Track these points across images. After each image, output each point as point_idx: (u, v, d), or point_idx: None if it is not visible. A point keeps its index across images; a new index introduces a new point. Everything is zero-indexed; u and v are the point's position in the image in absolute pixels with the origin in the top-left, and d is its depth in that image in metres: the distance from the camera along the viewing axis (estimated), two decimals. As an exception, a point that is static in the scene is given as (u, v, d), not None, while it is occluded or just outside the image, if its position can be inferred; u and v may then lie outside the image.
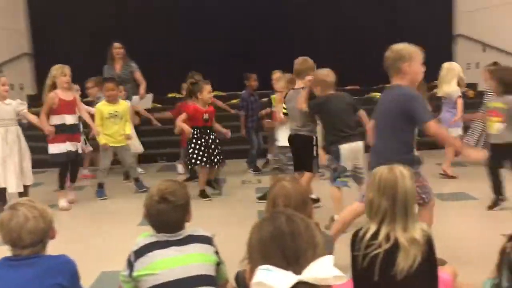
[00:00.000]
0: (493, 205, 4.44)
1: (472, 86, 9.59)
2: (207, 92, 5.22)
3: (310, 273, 1.08)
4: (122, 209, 5.07)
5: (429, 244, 2.05)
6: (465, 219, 4.37)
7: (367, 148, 3.73)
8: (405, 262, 1.98)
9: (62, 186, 5.23)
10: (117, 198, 5.49)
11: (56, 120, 5.08)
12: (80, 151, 5.34)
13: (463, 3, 10.09)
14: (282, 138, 4.86)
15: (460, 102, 5.88)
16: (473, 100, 9.34)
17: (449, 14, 10.30)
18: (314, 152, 4.53)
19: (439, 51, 10.16)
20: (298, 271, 1.10)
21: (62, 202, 5.14)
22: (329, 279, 1.08)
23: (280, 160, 4.96)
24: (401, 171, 2.10)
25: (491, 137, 4.61)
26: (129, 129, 5.56)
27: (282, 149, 4.89)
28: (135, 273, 2.00)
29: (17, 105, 4.96)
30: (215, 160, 5.25)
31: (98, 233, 4.40)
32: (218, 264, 2.13)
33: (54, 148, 5.08)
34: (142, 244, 2.04)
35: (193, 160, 5.19)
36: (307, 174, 4.46)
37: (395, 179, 2.07)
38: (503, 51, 8.91)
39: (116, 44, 6.68)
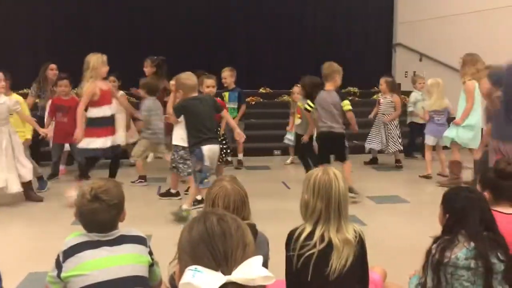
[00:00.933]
0: None
1: (408, 93, 10.01)
2: (205, 86, 5.27)
3: (239, 273, 1.08)
4: (56, 207, 4.86)
5: (361, 244, 2.12)
6: (397, 220, 4.55)
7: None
8: (338, 262, 2.03)
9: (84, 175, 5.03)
10: (52, 197, 5.25)
11: (97, 112, 4.82)
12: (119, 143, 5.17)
13: (403, 14, 10.50)
14: (175, 136, 4.95)
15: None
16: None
17: (389, 24, 10.70)
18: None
19: (379, 59, 10.57)
20: (227, 272, 1.10)
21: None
22: (258, 280, 1.09)
23: (174, 159, 5.02)
24: (335, 173, 2.15)
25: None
26: None
27: (175, 147, 5.01)
28: (63, 274, 1.93)
29: (13, 104, 4.73)
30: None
31: (28, 232, 4.20)
32: (152, 265, 2.09)
33: (91, 142, 4.79)
34: (72, 244, 1.96)
35: None
36: (347, 164, 5.09)
37: (330, 181, 2.12)
38: (438, 61, 9.36)
39: (53, 66, 6.40)
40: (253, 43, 9.82)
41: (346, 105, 5.08)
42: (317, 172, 2.18)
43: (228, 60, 7.95)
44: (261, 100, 9.05)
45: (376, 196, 5.20)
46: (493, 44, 8.20)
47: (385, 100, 6.82)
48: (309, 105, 5.48)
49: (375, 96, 9.62)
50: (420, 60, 9.89)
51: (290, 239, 2.14)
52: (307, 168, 5.59)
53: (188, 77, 4.40)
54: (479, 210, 2.20)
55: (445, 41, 9.18)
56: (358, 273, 2.12)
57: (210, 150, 4.28)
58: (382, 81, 6.91)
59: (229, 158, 6.61)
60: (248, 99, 9.00)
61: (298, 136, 6.03)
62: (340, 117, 5.09)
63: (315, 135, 5.62)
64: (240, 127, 6.51)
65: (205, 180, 4.26)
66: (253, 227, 2.23)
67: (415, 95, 7.28)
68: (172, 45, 8.94)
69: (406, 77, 10.39)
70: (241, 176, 5.85)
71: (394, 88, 6.75)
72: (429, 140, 6.16)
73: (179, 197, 5.10)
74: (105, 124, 4.86)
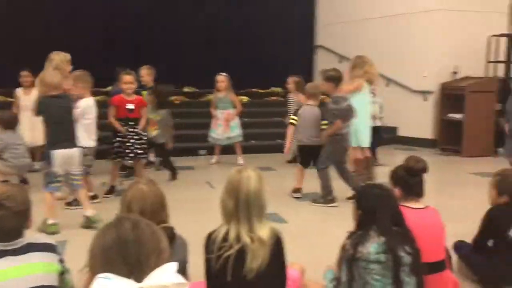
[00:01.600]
0: None
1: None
2: (123, 82, 5.15)
3: (151, 280, 1.08)
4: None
5: (277, 243, 2.16)
6: (316, 217, 4.70)
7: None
8: (253, 262, 2.06)
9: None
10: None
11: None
12: None
13: (324, 17, 10.86)
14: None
15: None
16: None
17: (311, 26, 11.01)
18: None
19: (301, 60, 10.85)
20: (140, 279, 1.08)
21: None
22: (171, 286, 1.09)
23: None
24: (248, 173, 2.17)
25: None
26: None
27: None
28: (-35, 288, 1.80)
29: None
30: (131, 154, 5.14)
31: None
32: (63, 273, 2.00)
33: None
34: (-26, 255, 1.84)
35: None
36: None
37: (240, 180, 2.14)
38: (356, 63, 9.77)
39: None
40: (178, 43, 9.70)
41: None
42: (233, 171, 2.20)
43: (150, 59, 7.79)
44: (186, 99, 8.98)
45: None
46: (407, 47, 8.73)
47: (292, 99, 6.93)
48: (293, 119, 5.43)
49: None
50: (340, 62, 10.27)
51: (208, 241, 2.14)
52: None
53: (51, 74, 4.24)
54: (389, 206, 2.33)
55: (363, 43, 9.60)
56: (275, 271, 2.17)
57: (62, 156, 4.07)
58: (290, 80, 6.99)
59: (152, 159, 6.51)
60: (172, 98, 8.91)
61: None
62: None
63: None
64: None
65: (51, 185, 4.06)
66: (171, 230, 2.21)
67: None
68: (92, 43, 8.63)
69: (327, 78, 10.78)
70: (164, 177, 5.84)
71: (301, 87, 6.83)
72: None
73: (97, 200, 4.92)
74: None
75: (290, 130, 5.40)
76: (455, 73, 8.47)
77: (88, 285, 1.11)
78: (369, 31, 9.52)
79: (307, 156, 5.32)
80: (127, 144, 5.09)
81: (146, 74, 6.32)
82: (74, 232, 3.98)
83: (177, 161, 6.89)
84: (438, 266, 2.70)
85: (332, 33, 10.53)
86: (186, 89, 9.37)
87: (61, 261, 2.00)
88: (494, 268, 2.88)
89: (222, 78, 6.76)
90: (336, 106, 5.00)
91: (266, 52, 10.23)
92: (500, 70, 8.33)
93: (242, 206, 2.11)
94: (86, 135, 4.71)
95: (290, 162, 7.04)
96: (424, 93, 8.55)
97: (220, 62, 7.84)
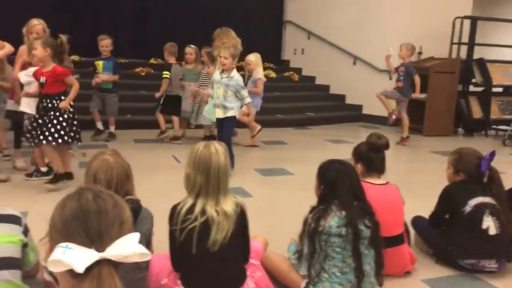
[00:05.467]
0: None
1: (297, 70, 10.41)
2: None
3: (113, 250, 1.08)
4: None
5: (241, 216, 2.19)
6: (281, 192, 4.76)
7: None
8: (218, 234, 2.08)
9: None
10: None
11: None
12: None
13: (293, -9, 10.80)
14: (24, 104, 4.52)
15: None
16: (297, 83, 10.17)
17: (280, 1, 10.92)
18: None
19: (269, 36, 10.80)
20: (101, 249, 1.08)
21: None
22: (133, 257, 1.09)
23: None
24: (216, 148, 2.18)
25: None
26: None
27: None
28: None
29: None
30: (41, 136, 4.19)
31: None
32: (26, 245, 1.96)
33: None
34: None
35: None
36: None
37: (210, 155, 2.15)
38: (325, 40, 9.81)
39: None
40: (144, 15, 9.49)
41: None
42: (199, 146, 2.20)
43: (113, 30, 7.63)
44: (152, 71, 8.82)
45: (263, 169, 5.39)
46: (374, 26, 8.80)
47: (204, 72, 6.66)
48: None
49: (265, 72, 9.86)
50: (308, 38, 10.28)
51: (173, 213, 2.15)
52: None
53: None
54: (349, 181, 2.39)
55: (331, 20, 9.63)
56: (239, 244, 2.20)
57: None
58: (203, 52, 6.76)
59: (101, 127, 6.40)
60: (137, 70, 8.74)
61: None
62: None
63: None
64: (113, 99, 6.36)
65: None
66: (136, 203, 2.20)
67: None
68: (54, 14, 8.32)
69: (295, 54, 10.77)
70: (130, 150, 5.76)
71: (214, 60, 6.68)
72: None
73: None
74: None
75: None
76: (420, 53, 8.61)
77: (48, 254, 1.10)
78: (338, 7, 9.53)
79: None
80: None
81: (108, 43, 6.23)
82: (34, 202, 3.90)
83: (144, 134, 6.83)
84: (397, 240, 2.80)
85: (301, 8, 10.49)
86: (152, 61, 9.20)
87: (25, 233, 1.96)
88: (448, 243, 3.00)
89: (191, 50, 6.69)
90: None
91: (234, 27, 10.08)
92: (463, 52, 8.53)
93: (212, 180, 2.12)
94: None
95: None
96: (389, 72, 8.68)
97: (187, 35, 7.71)
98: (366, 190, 2.47)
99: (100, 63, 6.30)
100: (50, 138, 4.14)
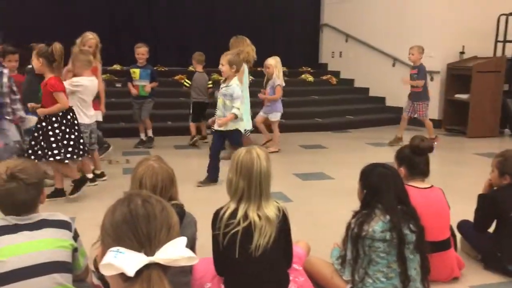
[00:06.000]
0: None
1: (335, 73, 10.33)
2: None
3: (162, 254, 1.10)
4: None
5: (284, 221, 2.19)
6: (320, 195, 4.72)
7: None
8: (260, 239, 2.09)
9: None
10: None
11: None
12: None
13: (330, -5, 10.73)
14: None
15: None
16: (335, 86, 10.09)
17: (317, 5, 10.88)
18: None
19: (306, 39, 10.76)
20: (150, 253, 1.10)
21: None
22: (181, 260, 1.11)
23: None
24: (258, 153, 2.19)
25: None
26: None
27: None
28: (-21, 261, 1.84)
29: None
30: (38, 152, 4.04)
31: None
32: (76, 250, 2.03)
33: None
34: (-13, 229, 1.87)
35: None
36: None
37: (252, 160, 2.16)
38: (363, 42, 9.69)
39: None
40: (184, 23, 9.62)
41: None
42: (241, 151, 2.22)
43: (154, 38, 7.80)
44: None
45: (303, 174, 5.37)
46: (413, 26, 8.63)
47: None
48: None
49: (303, 76, 9.85)
50: (346, 41, 10.19)
51: (216, 218, 2.17)
52: None
53: None
54: (393, 185, 2.35)
55: (369, 22, 9.51)
56: (282, 248, 2.20)
57: None
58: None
59: (144, 138, 6.54)
60: (177, 77, 8.88)
61: None
62: None
63: None
64: (148, 104, 6.44)
65: None
66: (180, 208, 2.24)
67: None
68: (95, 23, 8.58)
69: (333, 57, 10.70)
70: (171, 156, 5.84)
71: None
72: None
73: (103, 178, 4.96)
74: None
75: None
76: (462, 53, 8.38)
77: (100, 258, 1.13)
78: (375, 9, 9.41)
79: None
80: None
81: (145, 51, 6.37)
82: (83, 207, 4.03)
83: (180, 140, 6.93)
84: (443, 245, 2.73)
85: (338, 11, 10.41)
86: (191, 68, 9.32)
87: (75, 238, 2.03)
88: (497, 248, 2.90)
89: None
90: None
91: (271, 31, 10.16)
92: (509, 50, 8.23)
93: (254, 185, 2.14)
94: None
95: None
96: (431, 73, 8.49)
97: (223, 42, 7.80)
98: (410, 194, 2.42)
99: (136, 71, 6.40)
100: (47, 156, 4.01)
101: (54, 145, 4.03)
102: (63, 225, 2.01)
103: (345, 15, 10.15)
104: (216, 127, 4.80)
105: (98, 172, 4.94)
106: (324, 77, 10.13)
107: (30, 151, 4.05)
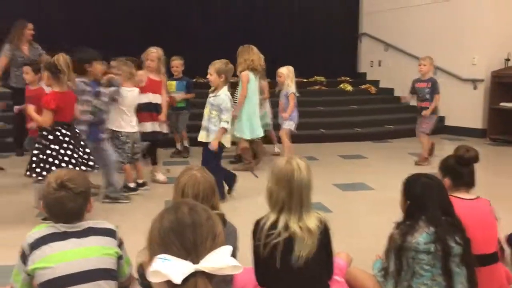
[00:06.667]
0: None
1: (374, 82, 10.21)
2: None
3: (208, 262, 1.11)
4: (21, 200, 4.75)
5: (325, 232, 2.17)
6: (362, 207, 4.66)
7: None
8: (302, 250, 2.08)
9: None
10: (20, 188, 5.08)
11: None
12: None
13: (368, 4, 10.64)
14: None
15: None
16: (374, 95, 9.97)
17: (355, 14, 10.81)
18: None
19: (345, 49, 10.69)
20: (196, 261, 1.12)
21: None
22: (226, 269, 1.12)
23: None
24: (298, 163, 2.18)
25: None
26: None
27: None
28: (30, 267, 1.91)
29: None
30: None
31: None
32: (121, 257, 2.08)
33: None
34: (38, 236, 1.95)
35: None
36: None
37: (292, 171, 2.15)
38: (402, 51, 9.55)
39: (30, 25, 6.28)
40: (224, 36, 9.71)
41: None
42: (281, 161, 2.22)
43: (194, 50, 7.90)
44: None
45: (342, 184, 5.31)
46: (456, 34, 8.44)
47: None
48: None
49: (341, 85, 9.78)
50: (385, 50, 10.07)
51: (256, 228, 2.17)
52: None
53: None
54: (437, 196, 2.29)
55: (409, 30, 9.37)
56: (323, 260, 2.18)
57: None
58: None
59: (180, 148, 6.68)
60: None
61: None
62: None
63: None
64: (185, 116, 6.58)
65: None
66: (222, 217, 2.26)
67: None
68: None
69: (371, 66, 10.59)
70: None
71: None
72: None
73: (146, 187, 5.06)
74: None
75: None
76: (507, 60, 8.13)
77: (147, 266, 1.16)
78: (415, 17, 9.27)
79: None
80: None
81: (180, 64, 6.49)
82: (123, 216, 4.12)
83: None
84: (490, 259, 2.63)
85: (376, 20, 10.32)
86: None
87: (120, 246, 2.09)
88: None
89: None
90: None
91: (309, 41, 10.15)
92: (557, 57, 7.94)
93: (295, 196, 2.13)
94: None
95: None
96: (474, 81, 8.27)
97: (264, 51, 7.83)
98: (454, 205, 2.36)
99: (173, 83, 6.48)
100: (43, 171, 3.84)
101: (50, 159, 3.86)
102: (108, 233, 2.06)
103: (385, 24, 10.05)
104: (203, 138, 4.65)
105: (140, 181, 5.05)
106: (363, 87, 10.03)
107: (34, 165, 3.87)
